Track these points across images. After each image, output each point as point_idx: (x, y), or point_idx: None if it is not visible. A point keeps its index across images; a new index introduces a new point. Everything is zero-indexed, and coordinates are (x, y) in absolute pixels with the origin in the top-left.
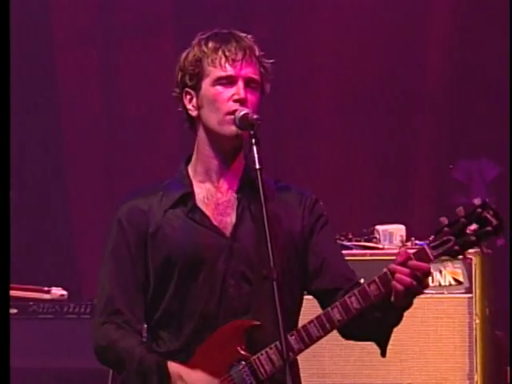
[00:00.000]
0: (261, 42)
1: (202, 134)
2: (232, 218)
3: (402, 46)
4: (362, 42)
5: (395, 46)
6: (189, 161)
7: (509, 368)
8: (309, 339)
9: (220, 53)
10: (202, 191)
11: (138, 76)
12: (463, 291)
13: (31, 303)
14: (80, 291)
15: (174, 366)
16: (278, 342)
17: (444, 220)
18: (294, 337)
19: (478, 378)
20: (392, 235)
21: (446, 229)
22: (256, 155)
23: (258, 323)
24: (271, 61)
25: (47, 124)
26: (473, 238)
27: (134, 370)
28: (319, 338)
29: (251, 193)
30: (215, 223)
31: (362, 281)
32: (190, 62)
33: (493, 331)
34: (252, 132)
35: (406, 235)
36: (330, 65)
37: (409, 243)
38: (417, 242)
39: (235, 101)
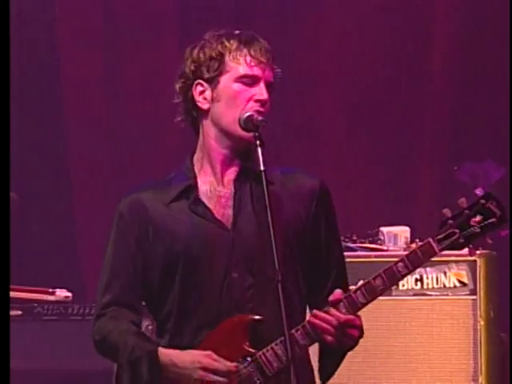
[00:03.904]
0: None
1: (209, 127)
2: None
3: (404, 49)
4: (365, 44)
5: (398, 48)
6: (194, 153)
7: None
8: (315, 334)
9: (245, 51)
10: (205, 184)
11: (142, 76)
12: (468, 293)
13: (36, 305)
14: (84, 293)
15: (164, 353)
16: (283, 337)
17: (447, 212)
18: (299, 332)
19: (482, 379)
20: (396, 237)
21: (450, 221)
22: (261, 157)
23: (261, 318)
24: (279, 70)
25: (50, 124)
26: (477, 230)
27: (126, 359)
28: None
29: (248, 181)
30: (218, 216)
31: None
32: (208, 55)
33: (497, 333)
34: (256, 134)
35: (411, 237)
36: (333, 66)
37: (413, 245)
38: (421, 243)
39: (256, 101)
